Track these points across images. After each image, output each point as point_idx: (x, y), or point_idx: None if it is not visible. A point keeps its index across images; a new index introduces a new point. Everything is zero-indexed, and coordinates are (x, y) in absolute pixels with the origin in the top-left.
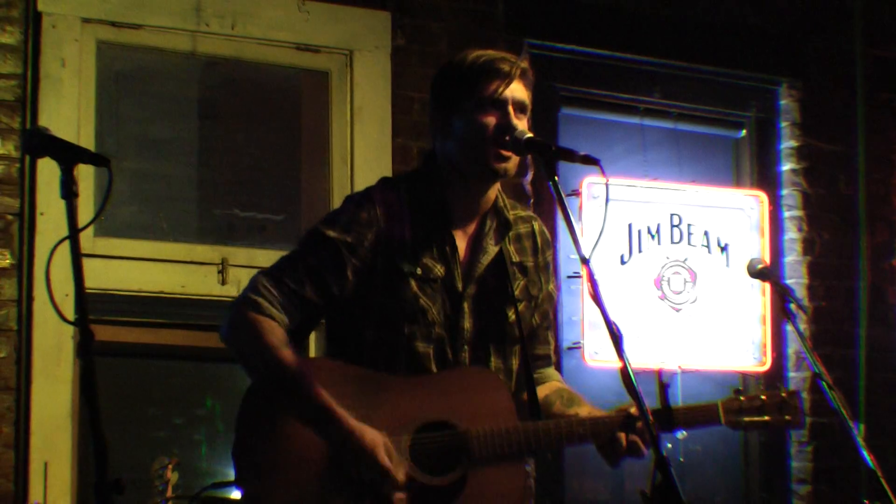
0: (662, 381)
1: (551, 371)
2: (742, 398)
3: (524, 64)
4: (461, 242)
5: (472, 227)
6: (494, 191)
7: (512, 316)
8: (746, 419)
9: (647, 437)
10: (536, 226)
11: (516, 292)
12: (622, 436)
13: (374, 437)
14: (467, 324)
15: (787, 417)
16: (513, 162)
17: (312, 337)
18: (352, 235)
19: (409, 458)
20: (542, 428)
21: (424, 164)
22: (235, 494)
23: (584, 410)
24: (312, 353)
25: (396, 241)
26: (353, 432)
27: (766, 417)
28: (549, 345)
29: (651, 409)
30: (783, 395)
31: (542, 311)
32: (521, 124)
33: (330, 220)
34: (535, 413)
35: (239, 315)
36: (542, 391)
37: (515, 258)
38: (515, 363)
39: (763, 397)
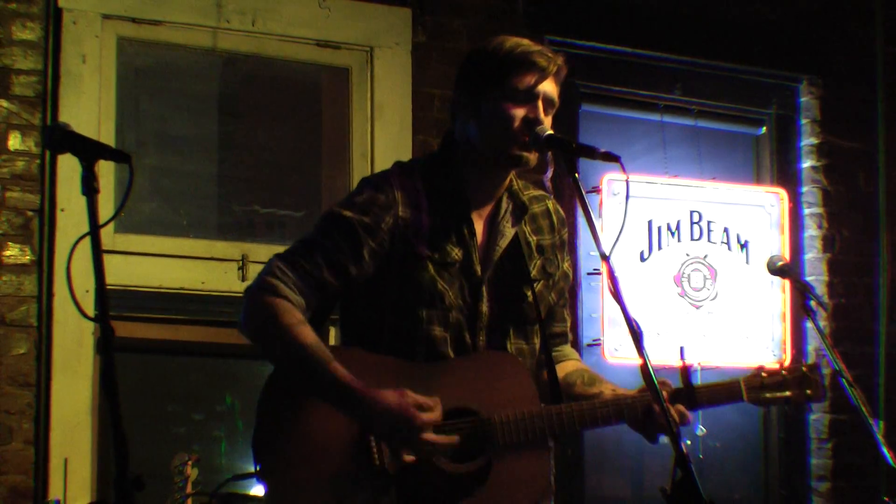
0: (684, 362)
1: (568, 349)
2: (764, 374)
3: (560, 61)
4: (478, 226)
5: (488, 210)
6: (510, 175)
7: (530, 296)
8: (768, 395)
9: (668, 432)
10: (551, 204)
11: (533, 272)
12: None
13: (392, 394)
14: (486, 308)
15: (808, 392)
16: (534, 153)
17: (332, 331)
18: (369, 217)
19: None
20: (565, 412)
21: (441, 147)
22: (256, 489)
23: (606, 389)
24: (332, 341)
25: (414, 226)
26: (375, 399)
27: (788, 392)
28: (565, 322)
29: (675, 389)
30: (804, 369)
31: (559, 289)
32: (548, 121)
33: (347, 201)
34: (556, 393)
35: (255, 299)
36: (561, 371)
37: (532, 238)
38: (537, 343)
39: (784, 372)
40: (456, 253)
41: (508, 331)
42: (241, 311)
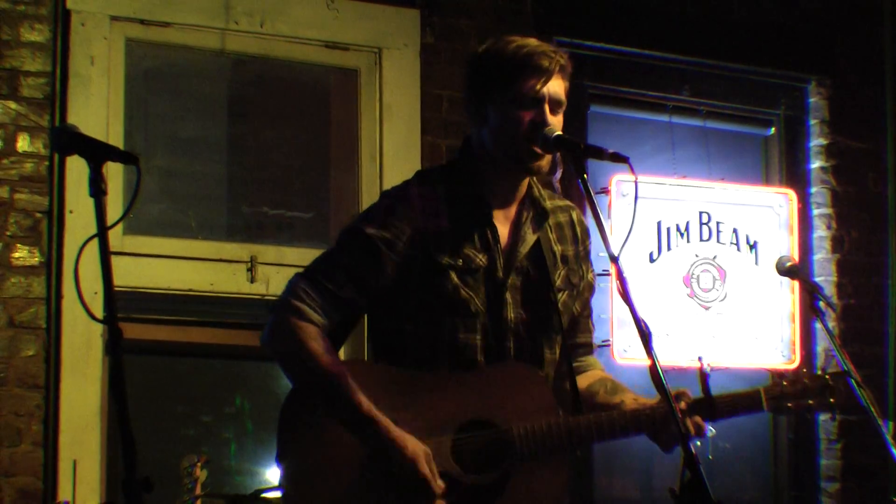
0: (703, 371)
1: (592, 359)
2: (785, 382)
3: (563, 60)
4: (503, 230)
5: (511, 215)
6: (528, 180)
7: (555, 305)
8: (790, 404)
9: (677, 434)
10: (575, 215)
11: (558, 282)
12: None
13: (415, 447)
14: (511, 314)
15: (831, 400)
16: (545, 160)
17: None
18: (389, 231)
19: (451, 459)
20: (583, 423)
21: (461, 151)
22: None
23: (628, 399)
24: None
25: (434, 235)
26: (395, 441)
27: (810, 401)
28: (590, 333)
29: (694, 399)
30: (826, 377)
31: (584, 299)
32: (557, 121)
33: (366, 216)
34: (577, 404)
35: (280, 321)
36: (584, 381)
37: (557, 247)
38: (559, 352)
39: (806, 381)
40: (480, 258)
41: (537, 338)
42: (265, 330)
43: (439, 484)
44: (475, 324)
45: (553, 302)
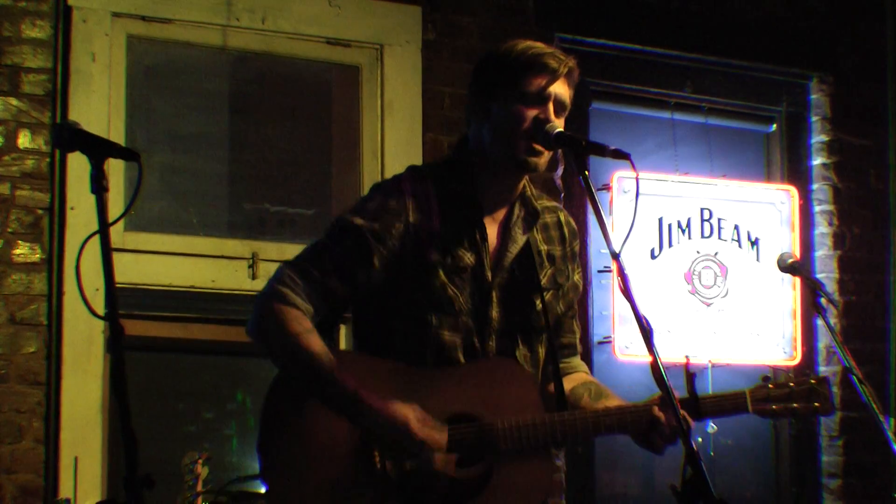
0: (689, 371)
1: (577, 361)
2: (770, 385)
3: (572, 64)
4: (491, 231)
5: (501, 215)
6: (523, 180)
7: (539, 305)
8: (775, 406)
9: (678, 430)
10: (562, 216)
11: (543, 281)
12: (664, 418)
13: (403, 410)
14: (495, 313)
15: (815, 405)
16: (544, 158)
17: (343, 331)
18: (379, 224)
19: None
20: (568, 420)
21: (455, 151)
22: (262, 489)
23: (612, 403)
24: (342, 346)
25: (425, 231)
26: (381, 411)
27: (795, 405)
28: (574, 334)
29: (678, 399)
30: (812, 382)
31: (568, 300)
32: (559, 123)
33: (357, 208)
34: (562, 406)
35: (264, 306)
36: (569, 383)
37: (543, 247)
38: (542, 352)
39: (791, 384)
40: (468, 258)
41: (516, 338)
42: (251, 318)
43: (439, 438)
44: (458, 322)
45: (537, 302)
